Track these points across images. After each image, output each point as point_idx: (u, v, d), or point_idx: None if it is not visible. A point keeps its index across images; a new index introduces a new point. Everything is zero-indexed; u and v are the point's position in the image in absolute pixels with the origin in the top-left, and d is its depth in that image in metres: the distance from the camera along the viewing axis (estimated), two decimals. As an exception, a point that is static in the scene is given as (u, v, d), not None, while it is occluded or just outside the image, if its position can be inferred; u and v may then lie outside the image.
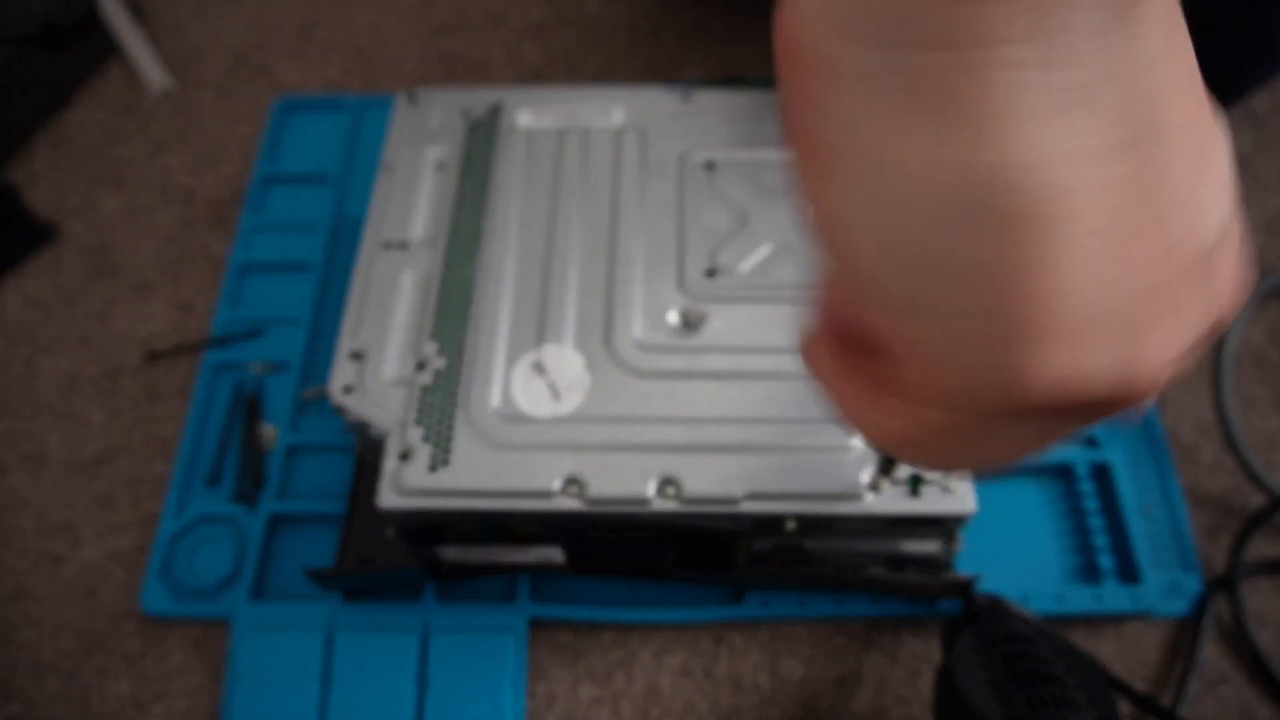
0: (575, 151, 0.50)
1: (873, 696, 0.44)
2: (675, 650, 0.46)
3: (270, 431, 0.51)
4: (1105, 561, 0.46)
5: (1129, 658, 0.45)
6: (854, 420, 0.21)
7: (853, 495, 0.39)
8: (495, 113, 0.52)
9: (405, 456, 0.40)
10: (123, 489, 0.51)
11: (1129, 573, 0.46)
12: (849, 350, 0.21)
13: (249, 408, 0.52)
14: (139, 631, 0.47)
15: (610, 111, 0.52)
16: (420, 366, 0.43)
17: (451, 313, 0.44)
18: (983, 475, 0.30)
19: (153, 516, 0.50)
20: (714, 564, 0.42)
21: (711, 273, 0.45)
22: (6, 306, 0.58)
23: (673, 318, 0.44)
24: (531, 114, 0.52)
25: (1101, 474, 0.48)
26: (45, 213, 0.61)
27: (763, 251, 0.46)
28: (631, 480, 0.39)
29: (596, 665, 0.45)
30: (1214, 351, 0.50)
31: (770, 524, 0.40)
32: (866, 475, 0.39)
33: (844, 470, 0.39)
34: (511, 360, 0.43)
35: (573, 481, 0.39)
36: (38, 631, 0.47)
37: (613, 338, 0.43)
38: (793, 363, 0.42)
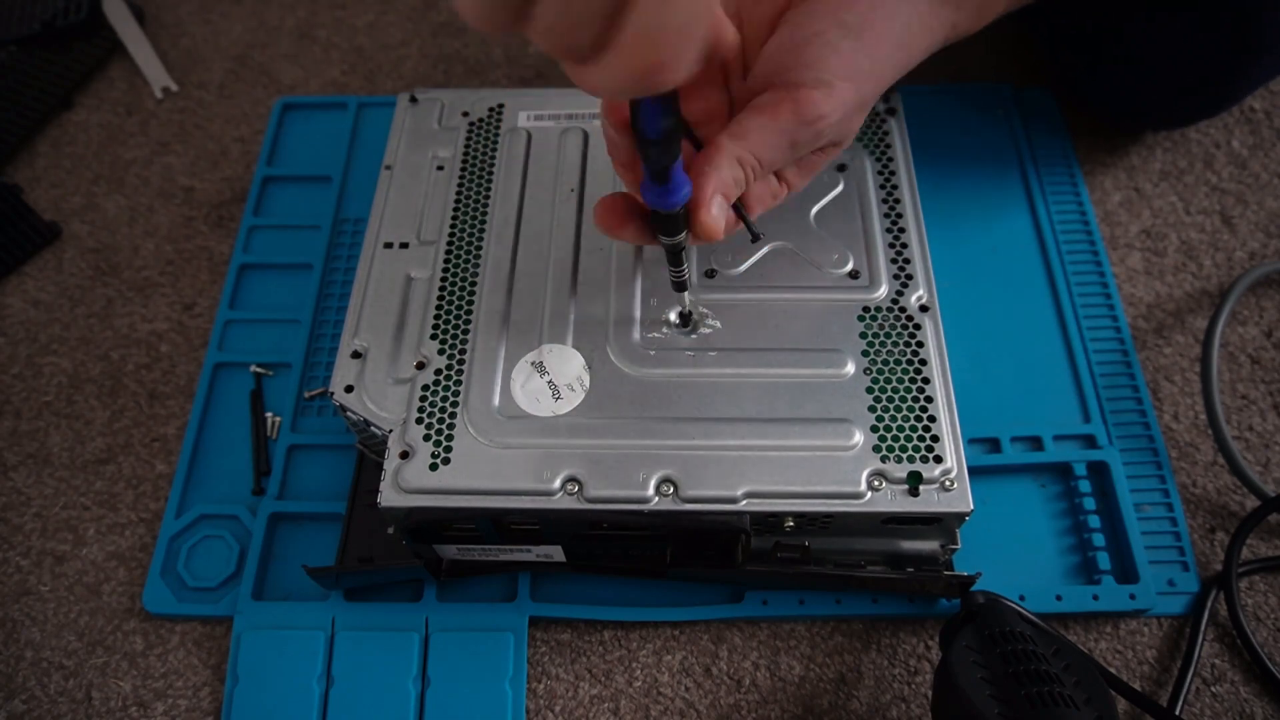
0: (575, 152, 0.50)
1: (872, 695, 0.45)
2: (675, 649, 0.46)
3: (274, 420, 0.52)
4: (1103, 560, 0.46)
5: (1126, 656, 0.45)
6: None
7: (851, 494, 0.39)
8: (495, 113, 0.52)
9: (406, 455, 0.40)
10: (125, 488, 0.51)
11: (1127, 572, 0.46)
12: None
13: (254, 399, 0.52)
14: (141, 630, 0.47)
15: (610, 112, 0.52)
16: (421, 366, 0.43)
17: (452, 312, 0.44)
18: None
19: (154, 516, 0.50)
20: (713, 563, 0.42)
21: (710, 273, 0.45)
22: (8, 306, 0.58)
23: (672, 317, 0.44)
24: (532, 115, 0.52)
25: (1099, 473, 0.49)
26: (47, 213, 0.62)
27: (761, 252, 0.46)
28: (630, 479, 0.39)
29: (596, 664, 0.46)
30: (1204, 357, 0.50)
31: (769, 522, 0.40)
32: (865, 474, 0.39)
33: (842, 469, 0.39)
34: (512, 360, 0.43)
35: (572, 480, 0.39)
36: (41, 630, 0.47)
37: (613, 337, 0.43)
38: (790, 362, 0.42)
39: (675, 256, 0.39)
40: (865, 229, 0.47)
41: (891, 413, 0.41)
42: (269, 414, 0.52)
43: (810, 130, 0.36)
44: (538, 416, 0.41)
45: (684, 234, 0.37)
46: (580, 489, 0.39)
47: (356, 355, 0.43)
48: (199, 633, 0.47)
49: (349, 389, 0.42)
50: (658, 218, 0.36)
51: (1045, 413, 0.51)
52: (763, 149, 0.36)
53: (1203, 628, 0.45)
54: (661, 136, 0.31)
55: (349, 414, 0.42)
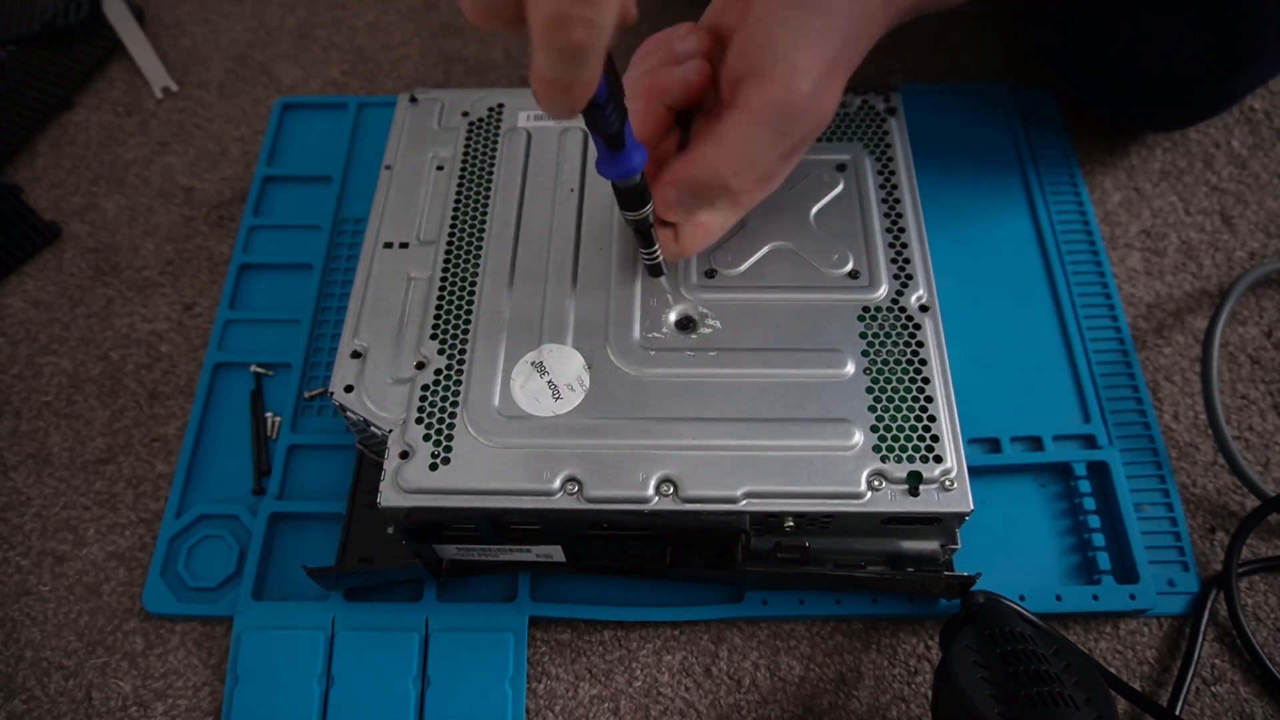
0: (575, 152, 0.50)
1: (872, 695, 0.45)
2: (675, 649, 0.46)
3: (274, 420, 0.52)
4: (1103, 560, 0.46)
5: (1126, 656, 0.45)
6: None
7: (851, 494, 0.39)
8: (495, 113, 0.52)
9: (406, 455, 0.40)
10: (124, 488, 0.51)
11: (1127, 572, 0.46)
12: None
13: (254, 399, 0.52)
14: (141, 630, 0.47)
15: (610, 112, 0.52)
16: (421, 366, 0.43)
17: (452, 312, 0.44)
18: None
19: (154, 516, 0.50)
20: (713, 563, 0.42)
21: (710, 273, 0.45)
22: (8, 306, 0.58)
23: (672, 318, 0.44)
24: (532, 115, 0.52)
25: (1099, 473, 0.49)
26: (47, 213, 0.62)
27: (761, 252, 0.46)
28: (630, 479, 0.39)
29: (596, 664, 0.46)
30: (1204, 357, 0.50)
31: (769, 522, 0.40)
32: (865, 474, 0.39)
33: (842, 469, 0.39)
34: (511, 360, 0.43)
35: (572, 480, 0.39)
36: (41, 630, 0.47)
37: (612, 338, 0.43)
38: (790, 362, 0.42)
39: (645, 237, 0.38)
40: (865, 229, 0.47)
41: (891, 413, 0.41)
42: (269, 414, 0.52)
43: (786, 111, 0.36)
44: (538, 416, 0.41)
45: (649, 207, 0.37)
46: (580, 489, 0.39)
47: (356, 355, 0.43)
48: (199, 633, 0.47)
49: (349, 389, 0.42)
50: (619, 193, 0.36)
51: (1045, 413, 0.51)
52: (747, 145, 0.36)
53: (1203, 628, 0.45)
54: (605, 98, 0.31)
55: (349, 414, 0.42)
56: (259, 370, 0.53)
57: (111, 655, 0.46)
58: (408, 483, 0.39)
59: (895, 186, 0.48)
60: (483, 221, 0.48)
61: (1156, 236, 0.58)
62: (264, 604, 0.46)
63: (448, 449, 0.40)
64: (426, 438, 0.40)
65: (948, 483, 0.39)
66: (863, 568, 0.43)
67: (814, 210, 0.47)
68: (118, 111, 0.67)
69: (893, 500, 0.39)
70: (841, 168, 0.49)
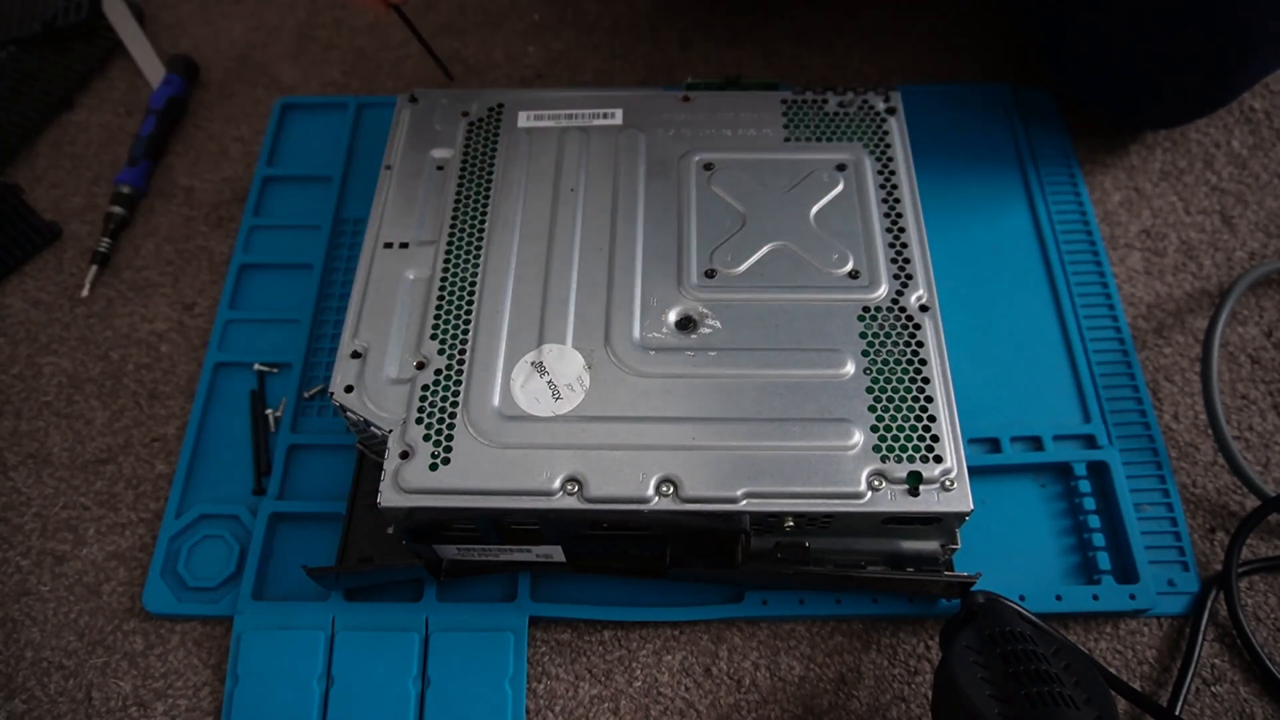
0: (575, 152, 0.50)
1: (871, 695, 0.45)
2: (675, 649, 0.46)
3: (274, 414, 0.52)
4: (1103, 561, 0.46)
5: (1126, 656, 0.45)
6: None
7: (851, 494, 0.39)
8: (495, 113, 0.52)
9: (406, 455, 0.40)
10: (124, 488, 0.51)
11: (1127, 572, 0.46)
12: None
13: (255, 398, 0.52)
14: (141, 630, 0.47)
15: (610, 112, 0.52)
16: (421, 366, 0.43)
17: (452, 312, 0.44)
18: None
19: (154, 516, 0.50)
20: (713, 563, 0.42)
21: (710, 273, 0.45)
22: (9, 306, 0.58)
23: (672, 318, 0.44)
24: (532, 115, 0.52)
25: (1099, 473, 0.49)
26: (47, 213, 0.62)
27: (761, 252, 0.46)
28: (630, 479, 0.39)
29: (596, 664, 0.46)
30: (1204, 357, 0.50)
31: (769, 522, 0.40)
32: (865, 474, 0.39)
33: (842, 469, 0.39)
34: (512, 360, 0.43)
35: (572, 480, 0.39)
36: (41, 630, 0.47)
37: (612, 338, 0.43)
38: (790, 362, 0.42)
39: None
40: (865, 229, 0.47)
41: (891, 413, 0.41)
42: (269, 410, 0.52)
43: None
44: (538, 416, 0.41)
45: None
46: (580, 489, 0.39)
47: (356, 355, 0.43)
48: (199, 633, 0.47)
49: (349, 389, 0.42)
50: None
51: (1045, 413, 0.51)
52: None
53: (1203, 628, 0.45)
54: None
55: (349, 414, 0.42)
56: (262, 368, 0.53)
57: (111, 655, 0.46)
58: (408, 483, 0.39)
59: (895, 186, 0.48)
60: (483, 221, 0.48)
61: (1156, 236, 0.58)
62: (264, 604, 0.46)
63: (448, 449, 0.40)
64: (427, 438, 0.40)
65: (948, 483, 0.39)
66: (863, 568, 0.43)
67: (814, 210, 0.47)
68: (118, 111, 0.67)
69: (893, 500, 0.39)
70: (841, 168, 0.49)
